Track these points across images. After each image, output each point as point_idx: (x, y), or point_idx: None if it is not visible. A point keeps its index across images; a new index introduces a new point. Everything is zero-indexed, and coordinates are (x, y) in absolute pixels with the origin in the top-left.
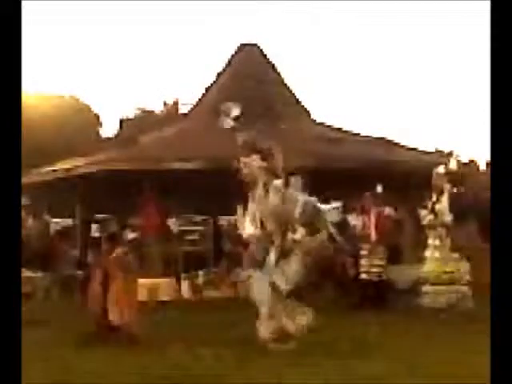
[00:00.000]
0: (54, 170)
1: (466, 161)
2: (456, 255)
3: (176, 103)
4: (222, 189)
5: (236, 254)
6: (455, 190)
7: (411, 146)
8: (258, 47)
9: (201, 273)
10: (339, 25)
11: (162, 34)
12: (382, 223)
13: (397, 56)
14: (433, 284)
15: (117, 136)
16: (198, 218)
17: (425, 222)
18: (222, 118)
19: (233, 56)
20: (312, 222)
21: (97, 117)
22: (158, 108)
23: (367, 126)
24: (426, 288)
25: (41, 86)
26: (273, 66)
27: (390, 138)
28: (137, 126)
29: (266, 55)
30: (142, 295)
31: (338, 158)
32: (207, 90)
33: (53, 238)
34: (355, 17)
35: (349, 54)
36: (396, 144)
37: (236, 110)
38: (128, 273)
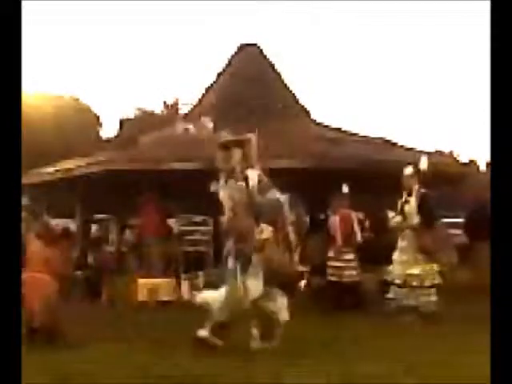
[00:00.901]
0: (54, 171)
1: (466, 161)
2: (423, 257)
3: (176, 103)
4: None
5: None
6: (424, 191)
7: (411, 146)
8: (258, 47)
9: (201, 273)
10: (339, 25)
11: (162, 34)
12: (349, 225)
13: (397, 56)
14: (399, 287)
15: (117, 136)
16: (198, 218)
17: (392, 224)
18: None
19: (233, 56)
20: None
21: (97, 117)
22: (158, 108)
23: (367, 126)
24: (395, 290)
25: (41, 86)
26: (273, 66)
27: (389, 138)
28: (137, 126)
29: (265, 55)
30: (142, 295)
31: (337, 157)
32: (207, 90)
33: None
34: (355, 17)
35: (349, 54)
36: (395, 144)
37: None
38: (36, 268)
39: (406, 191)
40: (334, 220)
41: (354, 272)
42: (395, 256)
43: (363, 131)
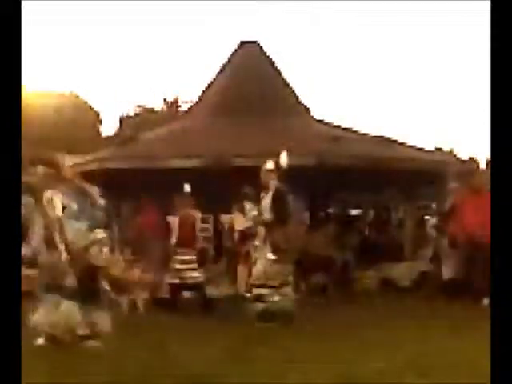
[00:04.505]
0: None
1: (466, 158)
2: (275, 257)
3: (176, 101)
4: (222, 186)
5: (236, 251)
6: (278, 186)
7: (412, 144)
8: (258, 45)
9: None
10: (339, 25)
11: (162, 34)
12: (189, 225)
13: (397, 56)
14: (258, 287)
15: (117, 134)
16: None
17: (249, 217)
18: None
19: (233, 53)
20: None
21: (97, 114)
22: (159, 106)
23: (367, 125)
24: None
25: (41, 83)
26: (273, 63)
27: (390, 136)
28: (137, 123)
29: (266, 53)
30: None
31: (339, 156)
32: (207, 87)
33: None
34: (355, 17)
35: (349, 53)
36: (396, 142)
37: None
38: None
39: (264, 187)
40: (173, 221)
41: (195, 273)
42: (256, 254)
43: (364, 130)
